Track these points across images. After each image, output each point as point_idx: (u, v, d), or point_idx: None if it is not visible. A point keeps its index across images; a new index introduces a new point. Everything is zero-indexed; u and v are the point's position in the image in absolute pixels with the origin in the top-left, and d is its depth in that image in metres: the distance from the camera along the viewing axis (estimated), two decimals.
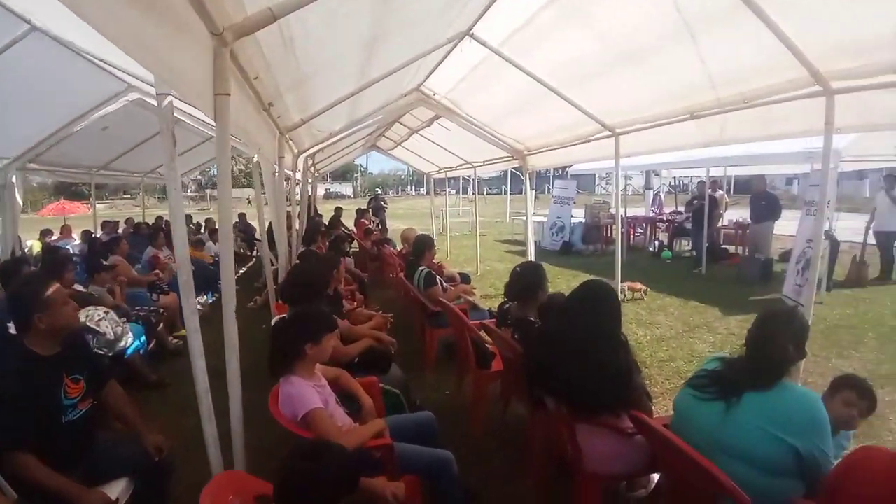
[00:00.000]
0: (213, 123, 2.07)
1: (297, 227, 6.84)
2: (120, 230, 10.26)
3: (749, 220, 10.13)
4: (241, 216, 12.61)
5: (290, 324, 2.35)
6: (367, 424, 2.35)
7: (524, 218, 8.05)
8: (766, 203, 9.38)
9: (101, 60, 4.08)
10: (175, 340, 5.28)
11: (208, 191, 51.45)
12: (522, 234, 7.79)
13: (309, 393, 2.20)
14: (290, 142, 5.19)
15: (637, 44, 3.42)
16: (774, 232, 9.81)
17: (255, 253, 10.90)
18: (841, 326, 6.10)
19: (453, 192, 28.74)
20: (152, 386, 4.33)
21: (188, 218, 10.23)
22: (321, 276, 3.29)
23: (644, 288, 7.70)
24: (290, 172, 6.56)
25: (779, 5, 2.61)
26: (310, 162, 8.57)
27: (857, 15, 2.45)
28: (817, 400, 1.79)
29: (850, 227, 10.86)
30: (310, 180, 10.70)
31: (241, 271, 9.98)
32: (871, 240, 8.71)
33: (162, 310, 5.32)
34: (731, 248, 11.63)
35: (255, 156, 4.45)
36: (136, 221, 11.21)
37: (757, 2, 2.62)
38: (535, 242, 12.89)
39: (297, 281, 3.16)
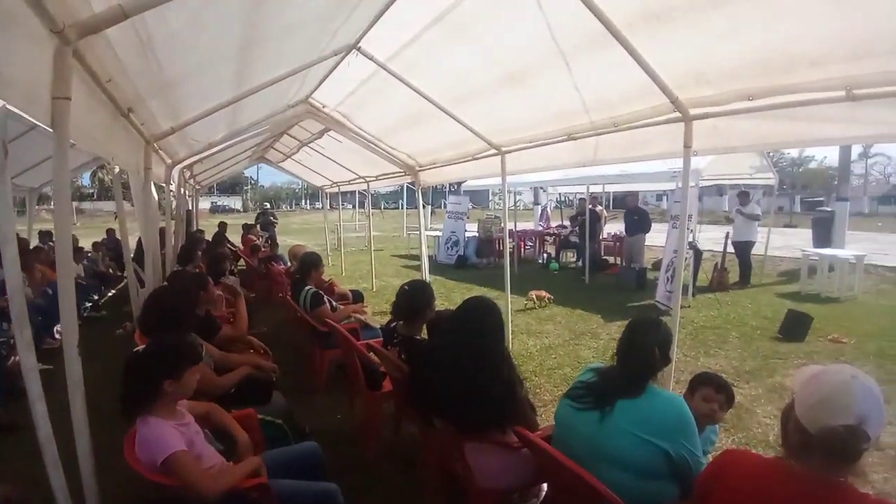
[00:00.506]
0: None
1: (173, 244, 6.28)
2: None
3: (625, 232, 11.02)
4: (110, 232, 11.40)
5: (145, 358, 2.08)
6: (239, 464, 2.15)
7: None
8: (638, 217, 10.29)
9: None
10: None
11: (75, 204, 46.16)
12: (419, 249, 7.82)
13: (169, 434, 1.95)
14: (161, 152, 4.77)
15: (519, 66, 3.56)
16: (647, 243, 10.78)
17: (126, 273, 9.85)
18: (707, 328, 6.74)
19: (350, 206, 28.31)
20: (4, 429, 3.77)
21: (48, 235, 9.04)
22: (184, 300, 2.90)
23: (548, 296, 8.02)
24: (168, 185, 6.03)
25: (643, 38, 2.83)
26: (187, 174, 7.95)
27: (713, 48, 2.71)
28: (681, 402, 1.91)
29: (712, 238, 12.20)
30: (189, 193, 9.94)
31: (110, 294, 9.00)
32: (731, 248, 9.78)
33: (13, 340, 4.56)
34: (611, 259, 12.54)
35: (117, 168, 4.01)
36: None
37: (623, 34, 2.82)
38: (431, 257, 13.08)
39: (154, 307, 2.78)
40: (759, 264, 10.07)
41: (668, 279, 7.64)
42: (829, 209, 13.65)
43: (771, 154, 12.95)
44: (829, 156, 51.36)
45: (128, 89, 2.75)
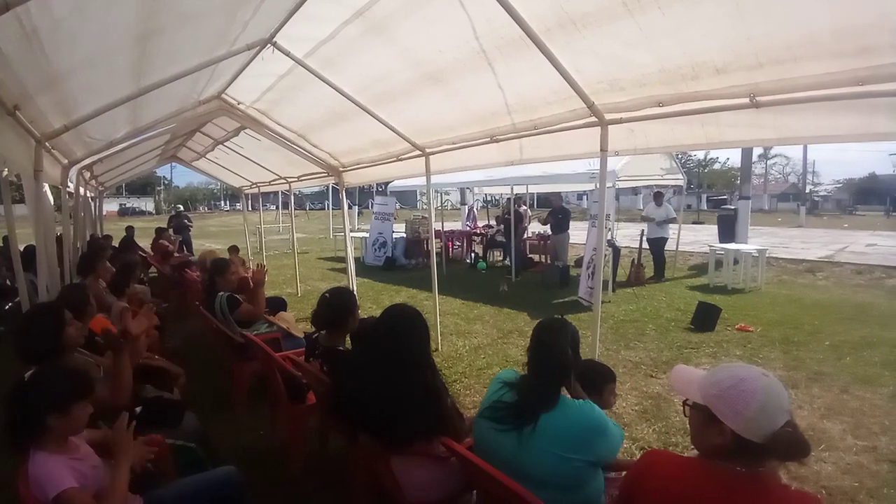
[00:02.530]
0: None
1: (71, 252, 5.72)
2: None
3: (550, 231, 11.34)
4: (7, 239, 10.23)
5: (27, 390, 1.84)
6: (113, 473, 1.92)
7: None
8: (562, 216, 10.63)
9: None
10: None
11: None
12: (345, 251, 7.63)
13: (57, 471, 1.75)
14: (55, 151, 4.32)
15: (440, 66, 3.51)
16: (571, 241, 11.16)
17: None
18: (626, 321, 7.06)
19: (273, 207, 27.30)
20: None
21: None
22: (53, 322, 2.45)
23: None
24: (64, 187, 5.47)
25: (560, 44, 2.87)
26: (87, 174, 7.28)
27: (625, 56, 2.79)
28: (591, 407, 1.88)
29: (629, 235, 12.82)
30: (91, 195, 9.14)
31: (7, 306, 8.06)
32: (646, 245, 10.32)
33: None
34: (536, 257, 12.87)
35: (5, 171, 3.58)
36: None
37: (542, 39, 2.85)
38: (359, 259, 12.83)
39: (24, 332, 2.42)
40: (671, 259, 10.71)
41: (589, 276, 7.92)
42: (732, 207, 14.77)
43: (679, 156, 13.83)
44: (731, 157, 56.16)
45: (12, 85, 2.46)
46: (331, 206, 23.37)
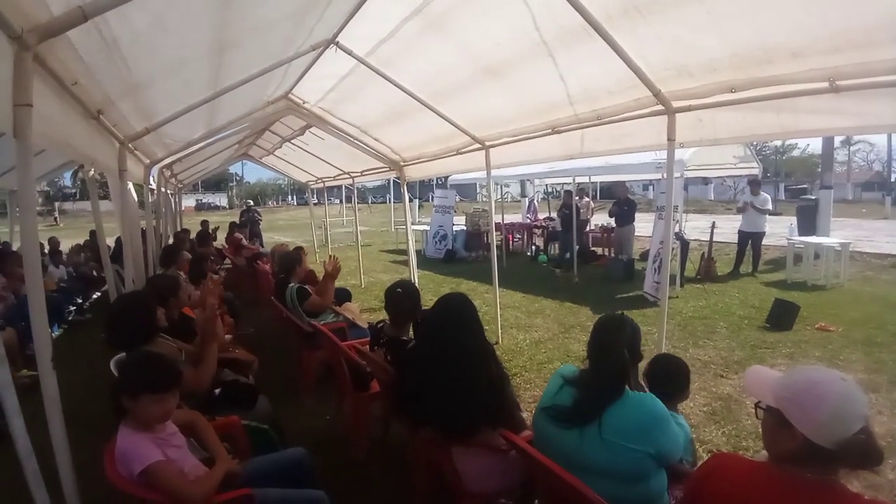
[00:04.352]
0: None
1: (154, 246, 6.17)
2: None
3: (614, 223, 11.02)
4: (94, 233, 11.19)
5: (117, 372, 2.02)
6: (212, 469, 2.10)
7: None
8: (627, 208, 10.30)
9: None
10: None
11: (57, 204, 45.23)
12: (407, 244, 7.79)
13: (143, 445, 1.90)
14: (137, 152, 4.67)
15: (499, 60, 3.51)
16: (636, 234, 10.81)
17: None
18: (695, 318, 6.76)
19: (337, 201, 28.14)
20: None
21: None
22: (141, 311, 2.61)
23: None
24: (147, 185, 5.92)
25: (624, 31, 2.80)
26: (167, 173, 7.81)
27: (693, 41, 2.69)
28: (652, 399, 1.87)
29: (698, 227, 12.25)
30: (171, 192, 9.79)
31: (95, 296, 8.85)
32: (717, 238, 9.78)
33: None
34: (599, 251, 12.56)
35: (92, 170, 3.91)
36: None
37: (605, 27, 2.79)
38: (419, 251, 13.01)
39: (111, 322, 2.60)
40: (745, 253, 10.12)
41: (655, 270, 7.66)
42: (813, 197, 13.78)
43: (755, 143, 13.03)
44: (812, 144, 51.92)
45: (96, 91, 2.67)
46: (392, 200, 23.79)
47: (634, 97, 3.30)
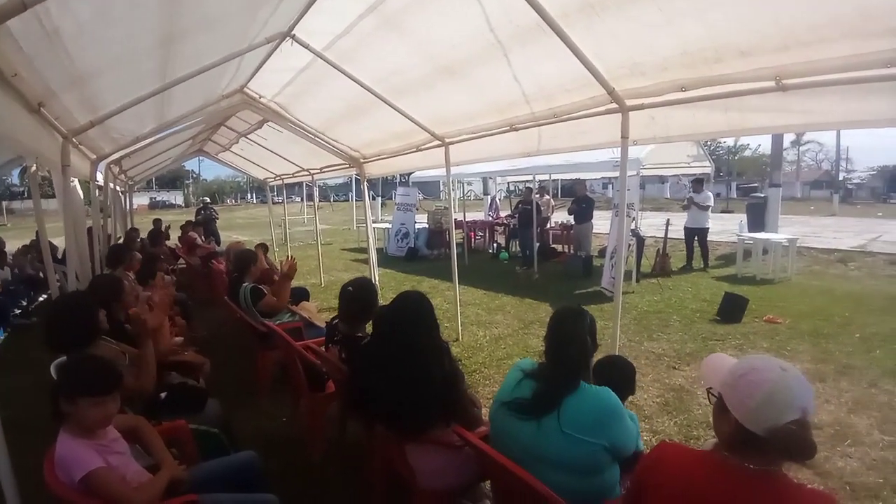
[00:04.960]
0: None
1: (102, 245, 5.91)
2: None
3: (573, 221, 11.20)
4: (38, 233, 10.65)
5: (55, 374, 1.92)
6: (156, 475, 2.02)
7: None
8: (585, 205, 10.49)
9: None
10: None
11: (5, 203, 42.71)
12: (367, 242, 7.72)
13: (83, 452, 1.82)
14: (82, 147, 4.46)
15: (456, 59, 3.50)
16: (595, 231, 11.02)
17: (57, 277, 9.21)
18: (650, 312, 6.95)
19: (297, 199, 27.66)
20: None
21: None
22: (81, 312, 2.51)
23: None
24: (93, 181, 5.65)
25: (579, 29, 2.82)
26: (116, 169, 7.49)
27: (646, 39, 2.74)
28: (607, 393, 1.90)
29: (655, 224, 12.57)
30: (120, 189, 9.40)
31: (41, 298, 8.42)
32: (671, 234, 10.07)
33: None
34: (559, 248, 12.75)
35: (34, 166, 3.71)
36: None
37: (560, 25, 2.81)
38: (381, 249, 12.92)
39: (51, 324, 2.48)
40: (698, 248, 10.47)
41: (612, 266, 7.82)
42: (762, 195, 14.35)
43: (707, 143, 13.48)
44: (763, 144, 54.33)
45: (36, 83, 2.54)
46: (354, 198, 23.54)
47: (590, 95, 3.35)
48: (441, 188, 35.20)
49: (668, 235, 9.94)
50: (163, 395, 2.80)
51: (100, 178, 6.19)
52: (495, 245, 13.68)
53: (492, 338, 6.03)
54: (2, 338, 5.84)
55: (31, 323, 7.18)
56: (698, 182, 10.33)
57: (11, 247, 9.39)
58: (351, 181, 22.62)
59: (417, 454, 2.25)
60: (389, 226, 14.31)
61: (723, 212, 26.44)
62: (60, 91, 2.92)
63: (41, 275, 8.94)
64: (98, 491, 1.81)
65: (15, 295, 7.54)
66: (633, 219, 9.29)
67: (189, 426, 2.56)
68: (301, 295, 5.67)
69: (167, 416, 2.62)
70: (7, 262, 8.76)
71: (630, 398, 2.94)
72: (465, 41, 3.25)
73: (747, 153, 54.15)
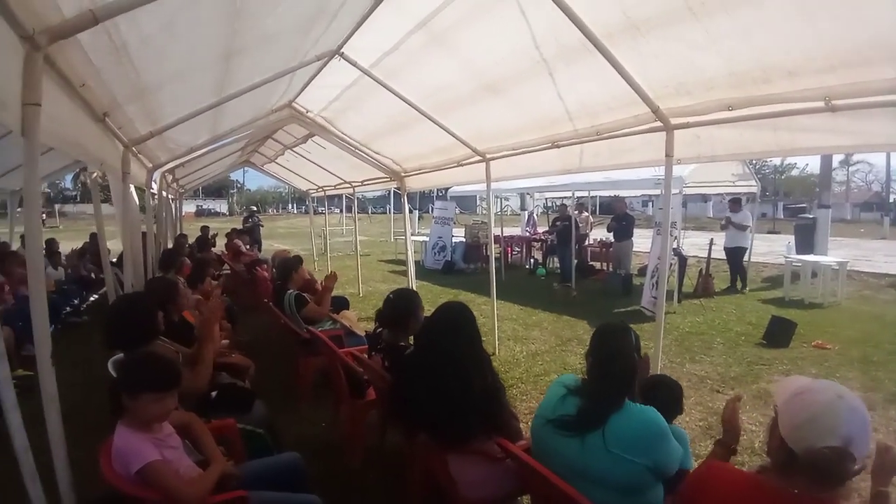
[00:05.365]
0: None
1: (154, 250, 6.19)
2: None
3: (612, 238, 11.06)
4: (94, 236, 11.21)
5: (116, 371, 2.04)
6: (207, 470, 2.11)
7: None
8: (625, 223, 10.34)
9: None
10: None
11: (58, 206, 45.20)
12: (406, 254, 7.82)
13: (140, 445, 1.91)
14: (141, 156, 4.71)
15: (500, 76, 3.57)
16: (635, 249, 10.84)
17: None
18: (692, 334, 6.78)
19: (337, 210, 28.19)
20: None
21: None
22: (141, 313, 2.62)
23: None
24: (149, 189, 5.96)
25: (624, 48, 2.85)
26: (169, 177, 7.85)
27: (692, 59, 2.74)
28: (653, 413, 1.86)
29: (697, 244, 12.28)
30: (171, 197, 9.82)
31: (92, 298, 8.86)
32: (715, 255, 9.85)
33: None
34: (598, 265, 12.58)
35: (95, 173, 3.95)
36: None
37: (605, 44, 2.84)
38: (418, 262, 13.04)
39: (111, 323, 2.60)
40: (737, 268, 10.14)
41: (653, 285, 7.68)
42: (811, 216, 13.84)
43: (753, 162, 13.11)
44: (810, 164, 52.05)
45: (102, 94, 2.71)
46: (392, 210, 23.86)
47: (633, 113, 3.35)
48: (478, 202, 35.31)
49: (712, 255, 9.69)
50: (213, 394, 2.91)
51: (154, 185, 6.52)
52: (532, 261, 13.61)
53: (529, 353, 6.00)
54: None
55: (81, 321, 7.56)
56: (735, 202, 10.07)
57: (64, 248, 9.90)
58: (389, 194, 23.01)
59: (459, 464, 2.27)
60: (426, 239, 14.43)
61: (769, 232, 25.57)
62: (124, 102, 3.11)
63: (93, 276, 9.41)
64: (153, 483, 1.88)
65: (68, 294, 7.90)
66: (676, 237, 9.10)
67: (237, 425, 2.66)
68: (341, 304, 5.79)
69: (217, 414, 2.72)
70: (61, 263, 9.25)
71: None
72: (509, 58, 3.32)
73: (794, 172, 52.38)
